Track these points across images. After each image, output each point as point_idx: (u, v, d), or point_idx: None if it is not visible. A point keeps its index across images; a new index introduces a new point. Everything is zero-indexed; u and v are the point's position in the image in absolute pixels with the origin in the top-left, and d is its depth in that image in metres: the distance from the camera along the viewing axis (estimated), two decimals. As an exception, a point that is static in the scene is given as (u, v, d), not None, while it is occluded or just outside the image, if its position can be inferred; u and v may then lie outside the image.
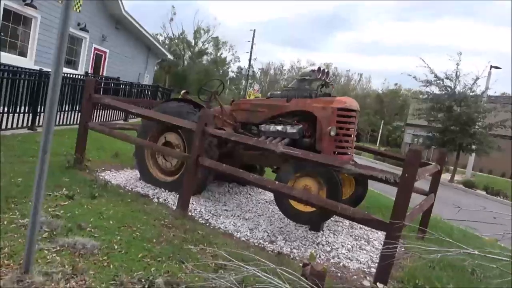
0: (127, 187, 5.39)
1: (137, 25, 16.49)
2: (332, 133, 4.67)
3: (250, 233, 4.60)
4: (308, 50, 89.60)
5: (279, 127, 5.12)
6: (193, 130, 4.56)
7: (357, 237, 5.19)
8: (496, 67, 22.08)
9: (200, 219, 4.73)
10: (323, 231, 5.05)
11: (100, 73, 15.57)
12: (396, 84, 62.33)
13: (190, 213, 4.80)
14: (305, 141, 5.05)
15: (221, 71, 54.51)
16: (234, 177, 4.29)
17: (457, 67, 17.17)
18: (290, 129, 5.02)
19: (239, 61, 56.61)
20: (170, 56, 23.49)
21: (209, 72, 46.40)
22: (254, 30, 45.33)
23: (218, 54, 54.11)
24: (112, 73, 15.58)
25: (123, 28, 16.64)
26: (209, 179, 5.39)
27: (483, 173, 27.45)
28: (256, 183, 4.05)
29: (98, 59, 15.60)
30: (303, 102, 5.09)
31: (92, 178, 5.23)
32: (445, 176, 19.92)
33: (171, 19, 51.01)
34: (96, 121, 9.68)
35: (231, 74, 57.53)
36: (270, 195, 6.52)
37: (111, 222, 3.88)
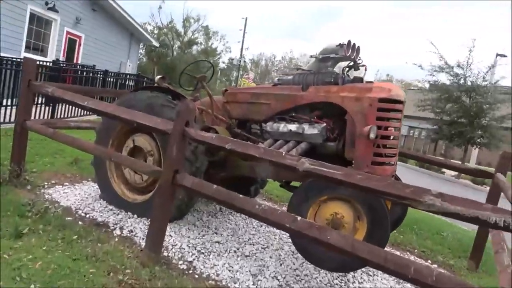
0: (79, 212, 3.87)
1: (117, 6, 14.72)
2: (372, 136, 3.19)
3: (253, 283, 3.15)
4: (301, 41, 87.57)
5: (293, 126, 3.62)
6: (167, 133, 3.05)
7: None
8: (502, 55, 20.83)
9: (181, 262, 3.24)
10: (353, 271, 3.61)
11: (75, 61, 13.85)
12: (388, 75, 61.04)
13: (165, 253, 3.32)
14: (329, 146, 3.58)
15: (212, 62, 52.63)
16: (229, 205, 2.79)
17: (469, 54, 15.77)
18: (308, 129, 3.53)
19: (230, 51, 54.65)
20: (155, 43, 21.67)
21: (199, 63, 44.41)
22: (246, 18, 43.45)
23: (209, 44, 52.14)
24: (89, 61, 13.88)
25: (101, 10, 14.85)
26: (194, 198, 3.89)
27: (481, 166, 26.25)
28: (264, 218, 2.56)
29: (71, 45, 13.84)
30: (326, 91, 3.60)
31: (29, 201, 3.69)
32: (450, 172, 18.68)
33: (160, 7, 48.94)
34: (60, 117, 8.06)
35: (222, 65, 55.62)
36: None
37: (31, 286, 2.39)
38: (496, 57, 20.10)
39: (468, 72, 16.07)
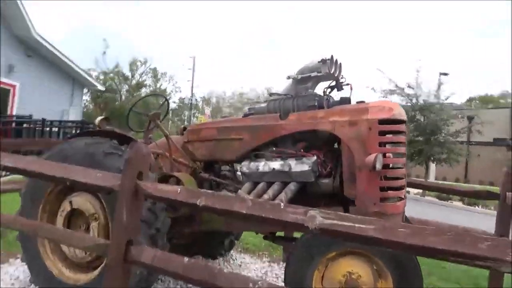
0: (-1, 308, 2.84)
1: (54, 50, 13.65)
2: (378, 166, 2.54)
3: None
4: (248, 76, 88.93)
5: (276, 164, 2.90)
6: (113, 190, 2.23)
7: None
8: (444, 74, 21.78)
9: None
10: None
11: (9, 112, 12.49)
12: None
13: None
14: (324, 183, 2.88)
15: (165, 96, 52.15)
16: (209, 285, 1.97)
17: (417, 74, 16.23)
18: (296, 166, 2.82)
19: (180, 91, 53.83)
20: (100, 87, 20.59)
21: (149, 105, 43.77)
22: (194, 57, 43.23)
23: (158, 86, 51.44)
24: (26, 111, 12.57)
25: (37, 55, 13.72)
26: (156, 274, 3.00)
27: (438, 181, 26.77)
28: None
29: (4, 95, 12.50)
30: (311, 116, 2.94)
31: None
32: (414, 190, 18.72)
33: (104, 53, 47.73)
34: None
35: (173, 105, 54.82)
36: (255, 270, 4.21)
37: None
38: (439, 76, 20.94)
39: (419, 91, 16.45)
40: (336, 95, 3.36)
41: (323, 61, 2.97)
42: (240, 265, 4.23)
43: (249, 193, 2.84)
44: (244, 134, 3.15)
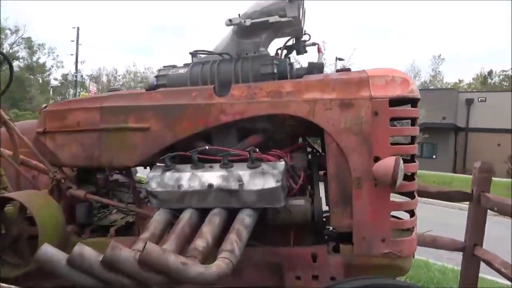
0: None
1: None
2: (400, 180, 1.45)
3: None
4: (143, 56, 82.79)
5: (214, 176, 1.60)
6: None
7: None
8: (340, 59, 22.48)
9: None
10: None
11: None
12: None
13: None
14: (296, 208, 1.69)
15: (40, 80, 46.05)
16: None
17: (322, 57, 16.19)
18: (253, 178, 1.56)
19: (63, 66, 47.76)
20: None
21: (23, 81, 37.86)
22: (78, 28, 37.97)
23: (34, 59, 45.04)
24: None
25: None
26: None
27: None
28: None
29: None
30: (271, 92, 1.71)
31: None
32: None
33: (-41, 15, 39.49)
34: None
35: (54, 82, 48.56)
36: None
37: None
38: (336, 61, 21.46)
39: (322, 74, 16.49)
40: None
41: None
42: None
43: (162, 232, 1.51)
44: (151, 121, 1.77)
